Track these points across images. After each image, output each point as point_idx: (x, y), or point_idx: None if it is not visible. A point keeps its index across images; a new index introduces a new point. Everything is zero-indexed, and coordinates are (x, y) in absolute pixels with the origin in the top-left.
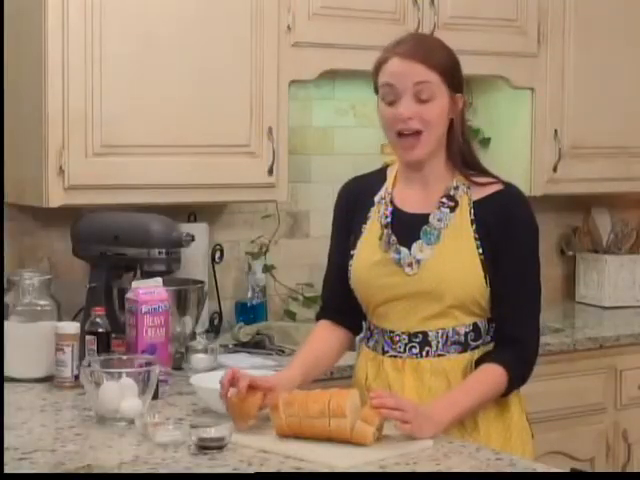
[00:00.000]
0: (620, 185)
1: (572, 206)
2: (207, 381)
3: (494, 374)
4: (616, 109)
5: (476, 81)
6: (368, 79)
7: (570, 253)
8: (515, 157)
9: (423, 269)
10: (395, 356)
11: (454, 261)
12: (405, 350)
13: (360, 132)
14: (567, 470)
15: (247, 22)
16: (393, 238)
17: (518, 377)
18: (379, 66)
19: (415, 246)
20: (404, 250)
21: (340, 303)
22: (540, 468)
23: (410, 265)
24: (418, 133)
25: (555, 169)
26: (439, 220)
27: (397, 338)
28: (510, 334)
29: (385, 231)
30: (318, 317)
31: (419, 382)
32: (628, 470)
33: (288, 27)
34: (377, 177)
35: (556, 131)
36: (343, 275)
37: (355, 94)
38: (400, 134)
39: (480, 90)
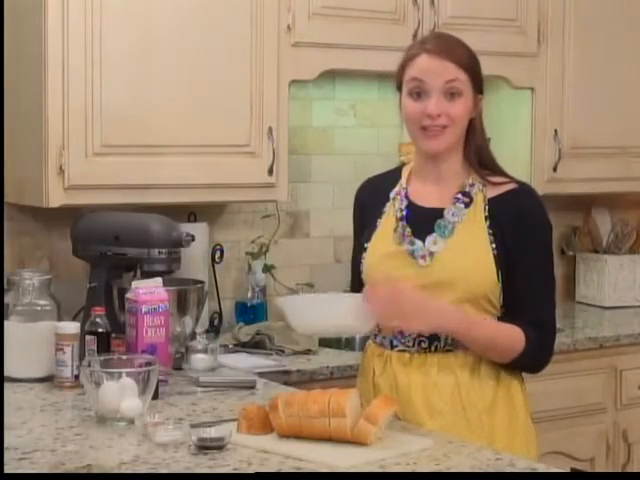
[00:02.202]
0: (620, 185)
1: (572, 206)
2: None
3: (513, 331)
4: (616, 109)
5: None
6: (368, 79)
7: (570, 253)
8: (515, 157)
9: (435, 261)
10: (403, 350)
11: (466, 254)
12: (414, 344)
13: (360, 132)
14: (567, 470)
15: (247, 22)
16: (408, 230)
17: (533, 354)
18: (407, 62)
19: (429, 239)
20: (418, 242)
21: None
22: (540, 468)
23: (423, 257)
24: (443, 127)
25: (555, 169)
26: (453, 215)
27: (406, 332)
28: (531, 321)
29: (400, 223)
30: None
31: (426, 377)
32: (628, 470)
33: (288, 27)
34: (393, 175)
35: (556, 131)
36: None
37: (355, 94)
38: (424, 127)
39: None
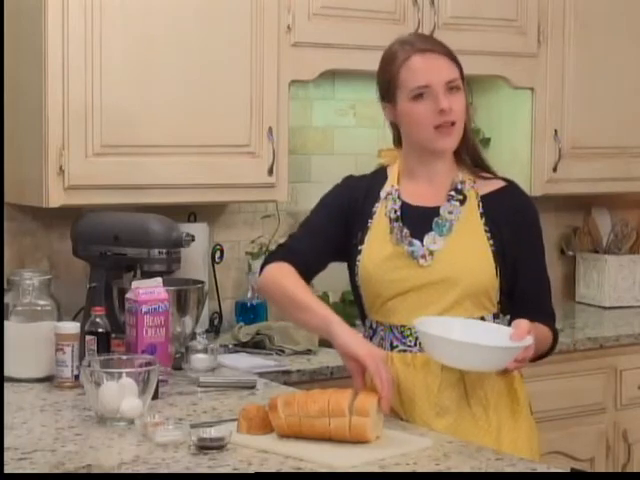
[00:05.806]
0: (620, 185)
1: (572, 206)
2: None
3: (544, 330)
4: (616, 109)
5: (476, 81)
6: (368, 79)
7: (570, 253)
8: (515, 157)
9: (436, 260)
10: (405, 350)
11: (466, 251)
12: (416, 344)
13: (360, 132)
14: (567, 470)
15: (247, 22)
16: (405, 231)
17: (554, 345)
18: (400, 65)
19: (427, 238)
20: (416, 242)
21: (309, 256)
22: (540, 468)
23: (424, 257)
24: (453, 124)
25: (555, 169)
26: (450, 212)
27: (408, 332)
28: (547, 314)
29: (396, 224)
30: (277, 258)
31: (431, 376)
32: (628, 470)
33: (288, 27)
34: (378, 176)
35: (556, 131)
36: (321, 239)
37: (355, 94)
38: (438, 126)
39: (480, 90)
